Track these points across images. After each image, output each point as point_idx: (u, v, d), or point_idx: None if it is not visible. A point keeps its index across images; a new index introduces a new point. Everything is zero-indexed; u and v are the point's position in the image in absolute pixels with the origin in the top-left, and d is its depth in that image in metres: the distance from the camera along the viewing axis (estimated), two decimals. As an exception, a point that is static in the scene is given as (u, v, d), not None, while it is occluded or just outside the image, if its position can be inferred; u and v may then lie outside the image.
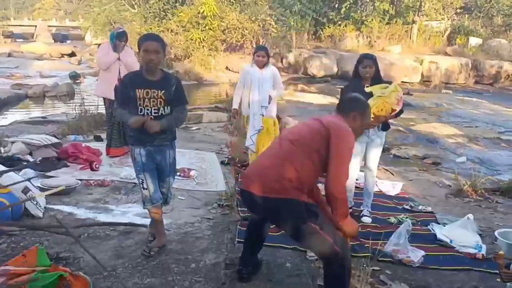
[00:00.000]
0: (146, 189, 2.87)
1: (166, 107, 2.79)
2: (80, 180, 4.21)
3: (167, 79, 2.82)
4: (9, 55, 22.84)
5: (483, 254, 3.19)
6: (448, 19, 21.03)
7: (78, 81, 14.45)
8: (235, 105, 5.09)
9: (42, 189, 3.73)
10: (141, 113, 2.75)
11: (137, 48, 2.80)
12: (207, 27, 16.68)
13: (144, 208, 3.01)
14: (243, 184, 2.45)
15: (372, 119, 3.45)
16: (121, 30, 5.08)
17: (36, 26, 37.37)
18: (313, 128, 2.35)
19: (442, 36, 20.14)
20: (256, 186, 2.30)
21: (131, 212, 3.63)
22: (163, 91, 2.75)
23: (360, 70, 3.65)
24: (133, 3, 19.80)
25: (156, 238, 3.03)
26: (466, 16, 21.63)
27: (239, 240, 3.17)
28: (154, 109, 2.76)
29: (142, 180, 2.86)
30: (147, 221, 3.42)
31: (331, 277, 2.29)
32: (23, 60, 20.75)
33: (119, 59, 4.92)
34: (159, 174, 2.93)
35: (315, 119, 2.42)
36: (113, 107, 2.88)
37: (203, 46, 16.75)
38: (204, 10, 16.32)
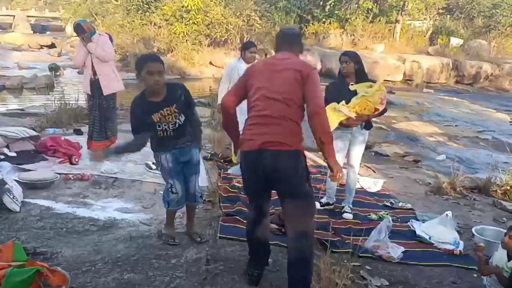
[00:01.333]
0: (176, 193, 2.90)
1: (180, 117, 2.80)
2: (59, 174, 4.12)
3: (173, 93, 2.80)
4: (-14, 45, 22.21)
5: (460, 250, 3.26)
6: (431, 19, 21.33)
7: (58, 73, 14.12)
8: (220, 100, 5.05)
9: (19, 183, 3.64)
10: (160, 128, 2.78)
11: (135, 67, 2.77)
12: (191, 21, 16.52)
13: (167, 209, 3.02)
14: (249, 146, 2.41)
15: (355, 118, 3.47)
16: (76, 22, 4.96)
17: (14, 16, 36.40)
18: (292, 81, 2.40)
19: (425, 36, 20.41)
20: (269, 142, 2.34)
21: (111, 207, 3.58)
22: (174, 105, 2.77)
23: (340, 67, 3.68)
24: (116, -6, 19.47)
25: (168, 228, 3.09)
26: (448, 16, 21.95)
27: (220, 235, 3.17)
28: (171, 125, 2.79)
29: (171, 185, 2.90)
30: (128, 216, 3.39)
31: (300, 256, 2.36)
32: (0, 51, 20.21)
33: (89, 52, 4.83)
34: (185, 174, 2.97)
35: (286, 69, 2.44)
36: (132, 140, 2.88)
37: (186, 40, 16.59)
38: (188, 4, 16.15)
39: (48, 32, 34.73)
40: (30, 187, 3.75)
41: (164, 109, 2.75)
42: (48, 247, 2.81)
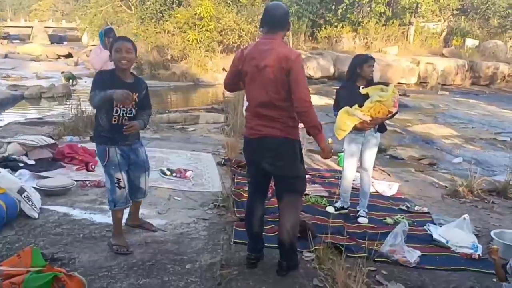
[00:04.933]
0: (123, 188, 2.91)
1: (135, 109, 2.88)
2: (76, 180, 4.19)
3: (139, 82, 2.94)
4: (6, 56, 22.81)
5: (479, 254, 3.21)
6: (445, 21, 21.10)
7: (74, 83, 14.35)
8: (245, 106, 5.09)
9: (37, 190, 3.71)
10: (117, 114, 2.81)
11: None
12: (203, 28, 16.69)
13: (113, 209, 2.95)
14: (250, 134, 2.69)
15: (369, 122, 3.45)
16: (108, 27, 5.20)
17: (32, 27, 37.35)
18: (275, 81, 2.50)
19: (439, 38, 20.19)
20: (267, 133, 2.58)
21: (127, 213, 3.60)
22: (136, 94, 2.86)
23: (365, 70, 3.67)
24: (130, 4, 19.80)
25: (119, 238, 2.98)
26: (463, 17, 21.67)
27: (235, 240, 3.17)
28: (128, 110, 2.85)
29: (119, 179, 2.89)
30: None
31: (290, 242, 2.70)
32: (19, 61, 20.73)
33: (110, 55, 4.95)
34: (136, 171, 3.03)
35: (267, 66, 2.50)
36: (89, 95, 2.82)
37: (199, 47, 16.75)
38: (201, 12, 16.33)
39: (65, 42, 35.49)
40: (48, 194, 3.82)
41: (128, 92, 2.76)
42: (66, 252, 2.86)
